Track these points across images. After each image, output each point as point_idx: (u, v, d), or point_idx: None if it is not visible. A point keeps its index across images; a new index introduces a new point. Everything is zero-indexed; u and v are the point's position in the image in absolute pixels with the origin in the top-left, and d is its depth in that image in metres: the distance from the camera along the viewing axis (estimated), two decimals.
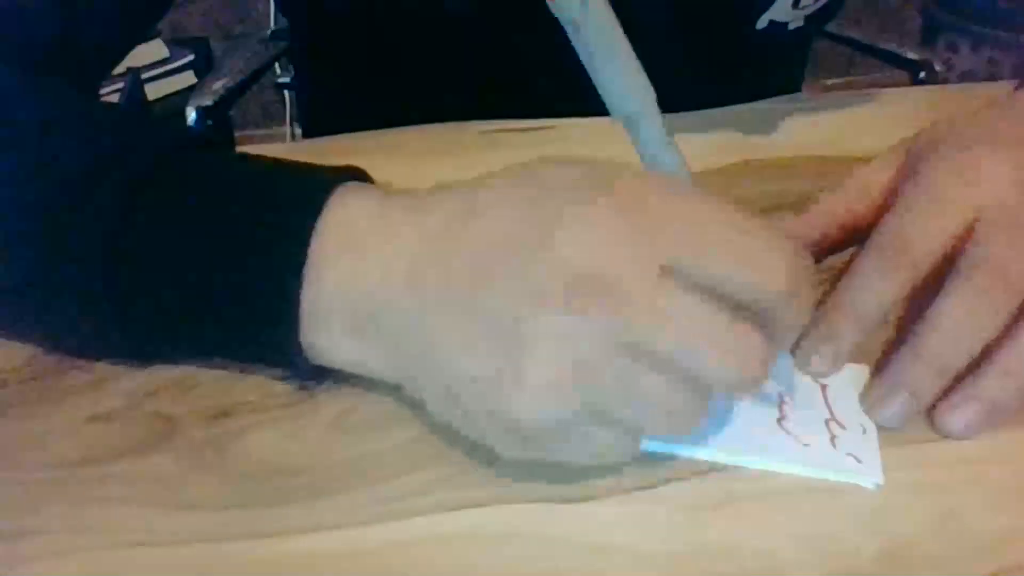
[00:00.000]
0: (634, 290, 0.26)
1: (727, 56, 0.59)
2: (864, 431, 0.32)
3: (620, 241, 0.27)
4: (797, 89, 0.74)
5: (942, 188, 0.34)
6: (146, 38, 0.53)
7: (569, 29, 0.30)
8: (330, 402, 0.34)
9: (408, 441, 0.32)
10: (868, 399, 0.33)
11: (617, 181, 0.28)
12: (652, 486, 0.30)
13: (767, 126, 0.53)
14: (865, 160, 0.50)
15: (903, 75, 0.92)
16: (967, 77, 1.89)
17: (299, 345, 0.31)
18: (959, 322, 0.32)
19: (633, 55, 0.31)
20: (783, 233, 0.28)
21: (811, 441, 0.32)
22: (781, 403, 0.33)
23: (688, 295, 0.27)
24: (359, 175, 0.34)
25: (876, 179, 0.38)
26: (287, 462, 0.31)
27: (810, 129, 0.53)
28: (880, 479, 0.30)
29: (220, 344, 0.34)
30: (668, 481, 0.30)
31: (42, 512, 0.29)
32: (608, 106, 0.31)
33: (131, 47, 0.51)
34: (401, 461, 0.31)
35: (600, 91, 0.31)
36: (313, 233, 0.30)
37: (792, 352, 0.33)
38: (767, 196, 0.46)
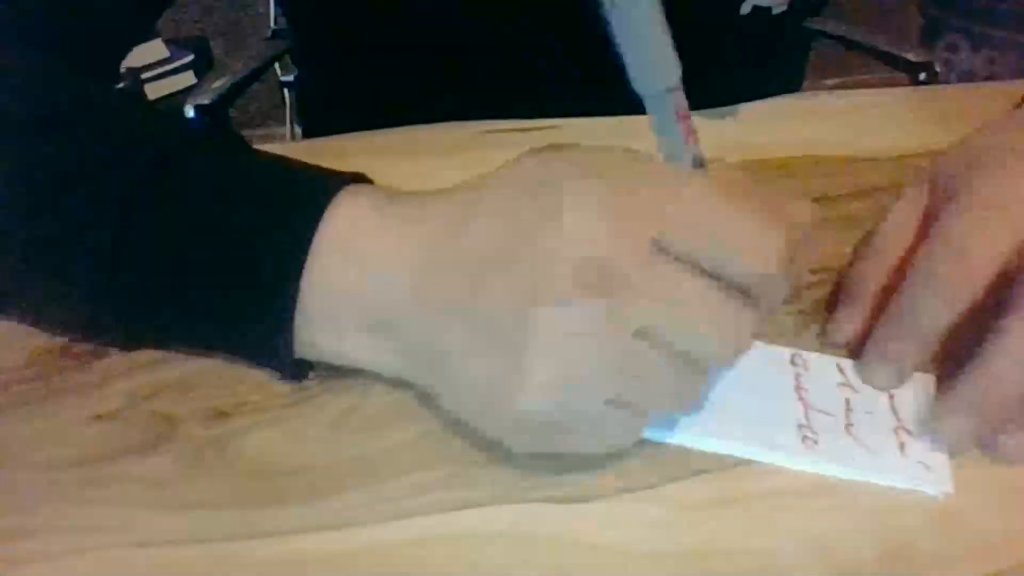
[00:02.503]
0: (631, 273, 0.27)
1: (715, 46, 0.59)
2: (933, 439, 0.32)
3: (613, 226, 0.27)
4: (797, 89, 0.74)
5: (994, 199, 0.33)
6: (159, 18, 0.52)
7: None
8: (331, 402, 0.34)
9: (408, 441, 0.32)
10: (936, 419, 0.32)
11: (610, 166, 0.28)
12: (652, 486, 0.30)
13: (767, 126, 0.53)
14: (864, 160, 0.50)
15: (903, 75, 0.92)
16: (967, 77, 1.88)
17: (291, 346, 0.31)
18: None
19: (667, 30, 0.30)
20: (776, 215, 0.28)
21: (880, 448, 0.31)
22: (848, 409, 0.33)
23: (682, 275, 0.27)
24: (362, 179, 0.34)
25: (908, 224, 0.36)
26: (287, 462, 0.31)
27: (810, 129, 0.53)
28: (949, 487, 0.30)
29: (214, 339, 0.34)
30: (668, 481, 0.30)
31: (42, 512, 0.29)
32: (632, 79, 0.30)
33: (154, 20, 0.51)
34: (401, 461, 0.31)
35: (627, 63, 0.30)
36: (314, 235, 0.30)
37: (857, 365, 0.34)
38: (772, 195, 0.46)
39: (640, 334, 0.27)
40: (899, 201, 0.37)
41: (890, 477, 0.31)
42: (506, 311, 0.27)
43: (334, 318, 0.31)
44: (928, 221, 0.35)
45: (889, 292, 0.35)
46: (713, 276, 0.28)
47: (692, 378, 0.29)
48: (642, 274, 0.27)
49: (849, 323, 0.36)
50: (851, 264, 0.38)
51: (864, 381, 0.34)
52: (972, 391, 0.31)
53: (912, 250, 0.35)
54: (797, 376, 0.35)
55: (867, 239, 0.38)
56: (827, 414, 0.33)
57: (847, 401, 0.33)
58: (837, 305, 0.37)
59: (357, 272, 0.30)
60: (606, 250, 0.27)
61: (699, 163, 0.31)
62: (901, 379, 0.33)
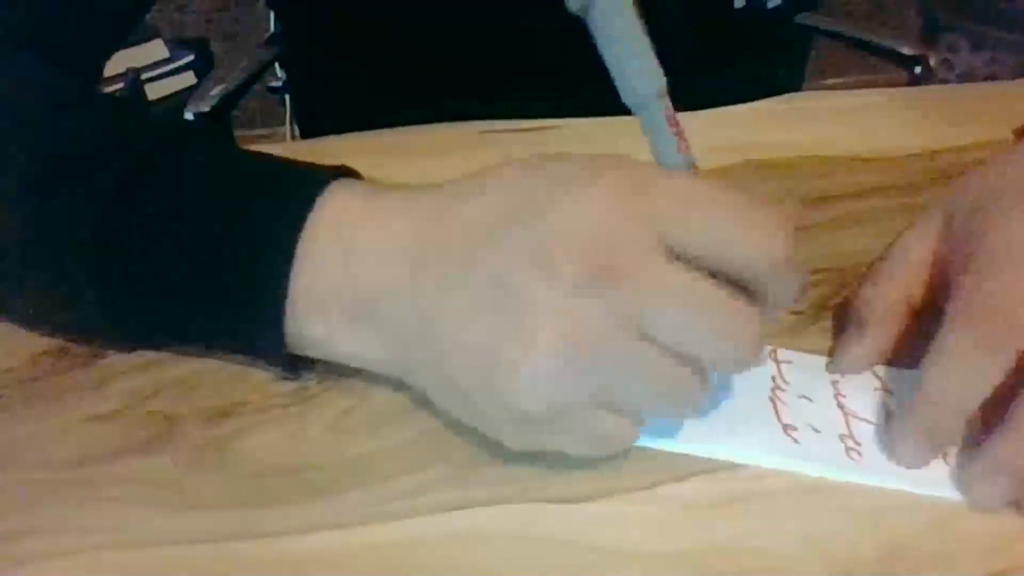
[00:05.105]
0: (635, 269, 0.26)
1: (714, 46, 0.59)
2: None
3: (618, 219, 0.27)
4: (798, 88, 0.74)
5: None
6: (142, 18, 0.52)
7: (581, 8, 0.30)
8: (330, 402, 0.34)
9: (408, 441, 0.32)
10: (965, 478, 0.30)
11: (614, 168, 0.28)
12: (652, 486, 0.30)
13: (767, 126, 0.53)
14: (864, 160, 0.50)
15: (902, 75, 0.92)
16: (967, 77, 1.88)
17: (283, 336, 0.31)
18: None
19: (646, 39, 0.30)
20: (776, 211, 0.28)
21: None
22: (888, 417, 0.32)
23: (687, 273, 0.27)
24: (351, 174, 0.34)
25: (920, 256, 0.35)
26: (287, 462, 0.31)
27: (810, 129, 0.53)
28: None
29: (204, 332, 0.34)
30: (668, 481, 0.30)
31: (42, 512, 0.29)
32: (619, 89, 0.31)
33: (137, 20, 0.51)
34: (401, 461, 0.31)
35: (612, 73, 0.30)
36: (304, 225, 0.31)
37: (887, 441, 0.31)
38: (767, 196, 0.46)
39: (639, 332, 0.27)
40: (909, 230, 0.36)
41: (940, 488, 0.30)
42: (506, 277, 0.27)
43: (322, 307, 0.31)
44: (943, 259, 0.34)
45: (900, 320, 0.35)
46: (720, 277, 0.27)
47: (689, 381, 0.28)
48: (644, 270, 0.26)
49: (857, 347, 0.35)
50: (858, 289, 0.36)
51: (891, 458, 0.31)
52: (1004, 451, 0.29)
53: (925, 283, 0.35)
54: (834, 383, 0.34)
55: (875, 265, 0.37)
56: (869, 423, 0.32)
57: (886, 408, 0.32)
58: (843, 330, 0.35)
59: (346, 258, 0.30)
60: (611, 241, 0.26)
61: (691, 168, 0.31)
62: (937, 453, 0.31)
